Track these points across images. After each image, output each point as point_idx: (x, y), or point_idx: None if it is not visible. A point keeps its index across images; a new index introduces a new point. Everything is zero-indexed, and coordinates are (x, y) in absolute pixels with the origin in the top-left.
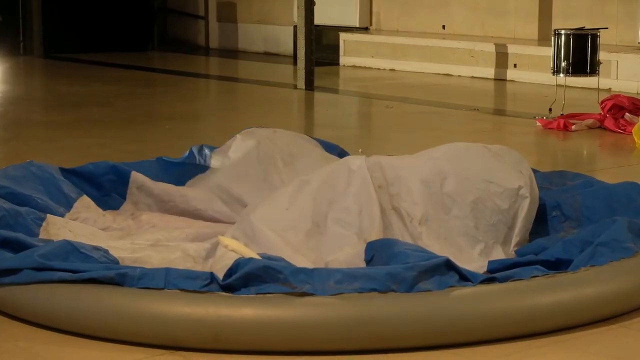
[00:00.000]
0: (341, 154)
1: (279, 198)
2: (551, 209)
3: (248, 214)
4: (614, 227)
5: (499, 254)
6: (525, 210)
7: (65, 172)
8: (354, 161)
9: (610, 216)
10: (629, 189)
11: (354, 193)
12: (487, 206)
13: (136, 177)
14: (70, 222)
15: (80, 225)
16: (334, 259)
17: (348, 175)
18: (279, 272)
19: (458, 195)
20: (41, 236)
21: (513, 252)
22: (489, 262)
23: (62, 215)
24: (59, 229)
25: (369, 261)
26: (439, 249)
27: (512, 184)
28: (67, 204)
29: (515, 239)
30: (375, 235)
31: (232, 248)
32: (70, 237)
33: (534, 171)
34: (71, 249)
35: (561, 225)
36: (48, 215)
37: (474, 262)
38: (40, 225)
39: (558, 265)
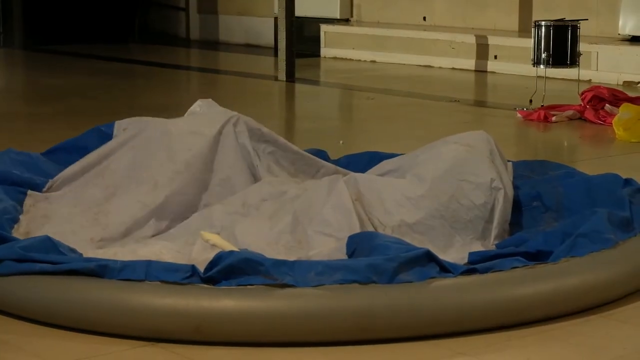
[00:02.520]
0: None
1: (261, 216)
2: (532, 199)
3: (232, 227)
4: (594, 218)
5: (477, 249)
6: (501, 202)
7: (48, 153)
8: (331, 178)
9: (591, 207)
10: (609, 180)
11: (333, 207)
12: (463, 204)
13: (120, 124)
14: (50, 198)
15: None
16: (317, 253)
17: (327, 191)
18: (260, 264)
19: (431, 199)
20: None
21: (493, 246)
22: (470, 253)
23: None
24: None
25: (350, 255)
26: None
27: (485, 177)
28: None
29: (494, 232)
30: None
31: (214, 242)
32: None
33: (512, 162)
34: (51, 245)
35: (542, 216)
36: (29, 191)
37: (451, 256)
38: (12, 227)
39: (539, 256)
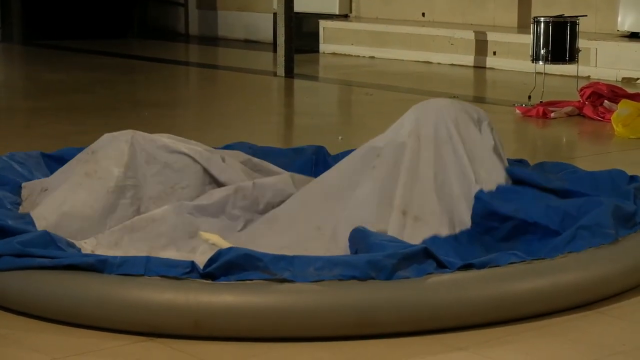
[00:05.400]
0: None
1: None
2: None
3: (253, 241)
4: (598, 210)
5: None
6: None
7: (47, 157)
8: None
9: (598, 195)
10: (614, 175)
11: (362, 189)
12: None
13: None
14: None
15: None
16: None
17: (349, 178)
18: (258, 259)
19: None
20: (24, 206)
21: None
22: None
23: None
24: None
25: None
26: None
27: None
28: None
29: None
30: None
31: (213, 241)
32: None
33: (513, 162)
34: (49, 239)
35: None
36: (24, 184)
37: None
38: (17, 208)
39: (535, 228)
